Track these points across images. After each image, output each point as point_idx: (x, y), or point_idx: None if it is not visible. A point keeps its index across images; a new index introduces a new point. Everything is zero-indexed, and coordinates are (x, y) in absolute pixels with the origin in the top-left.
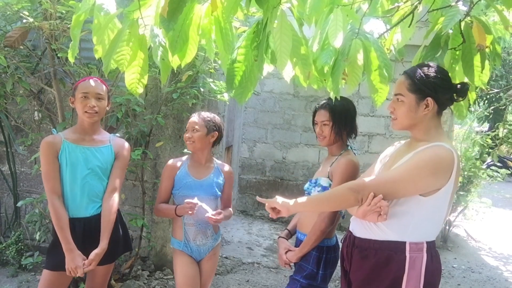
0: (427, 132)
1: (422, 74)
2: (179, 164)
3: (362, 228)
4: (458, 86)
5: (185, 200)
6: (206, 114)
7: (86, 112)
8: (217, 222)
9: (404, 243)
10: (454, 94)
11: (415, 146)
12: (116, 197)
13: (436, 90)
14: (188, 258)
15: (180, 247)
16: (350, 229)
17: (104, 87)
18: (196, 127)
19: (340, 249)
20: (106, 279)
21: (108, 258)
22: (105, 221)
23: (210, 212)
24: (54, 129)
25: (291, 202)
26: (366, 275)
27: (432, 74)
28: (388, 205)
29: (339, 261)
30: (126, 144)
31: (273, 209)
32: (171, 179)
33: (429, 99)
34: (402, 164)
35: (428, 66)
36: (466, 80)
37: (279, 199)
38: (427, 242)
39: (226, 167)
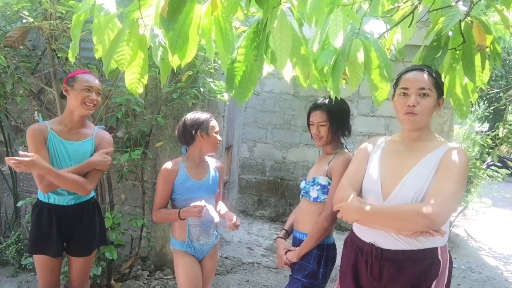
0: (427, 131)
1: (438, 74)
2: (176, 167)
3: (392, 239)
4: None
5: (192, 204)
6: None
7: (85, 103)
8: (237, 227)
9: (437, 248)
10: None
11: (422, 147)
12: (96, 177)
13: (443, 91)
14: (191, 258)
15: (183, 247)
16: (370, 241)
17: (99, 83)
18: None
19: (352, 260)
20: (85, 272)
21: (83, 251)
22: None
23: (216, 217)
24: (40, 118)
25: (359, 210)
26: (405, 285)
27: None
28: None
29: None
30: (107, 136)
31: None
32: (170, 183)
33: (443, 98)
34: (447, 174)
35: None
36: (466, 80)
37: (353, 200)
38: (447, 244)
39: (218, 163)
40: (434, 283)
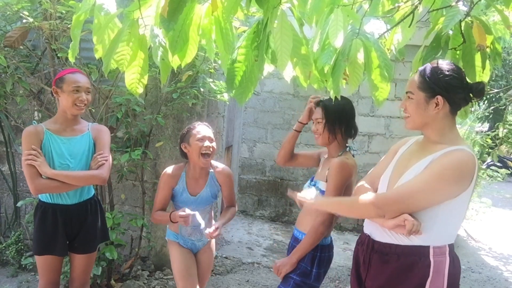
0: (441, 133)
1: (433, 72)
2: (178, 174)
3: (383, 232)
4: (474, 85)
5: (178, 213)
6: (207, 124)
7: (76, 105)
8: (215, 237)
9: (428, 247)
10: (470, 94)
11: (431, 148)
12: (106, 165)
13: (447, 89)
14: (184, 249)
15: (176, 239)
16: (367, 232)
17: (89, 80)
18: (212, 137)
19: (355, 252)
20: (87, 269)
21: (87, 248)
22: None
23: (202, 223)
24: (34, 121)
25: (317, 201)
26: (387, 280)
27: (444, 72)
28: (419, 223)
29: (342, 262)
30: (104, 128)
31: (299, 202)
32: (170, 189)
33: (439, 98)
34: (422, 174)
35: (442, 63)
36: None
37: (307, 194)
38: (448, 245)
39: (221, 169)
40: (428, 284)
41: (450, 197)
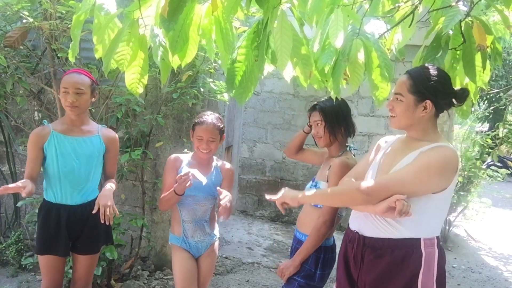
0: (424, 133)
1: (424, 76)
2: (182, 158)
3: (373, 227)
4: (459, 91)
5: (177, 177)
6: (216, 118)
7: (67, 106)
8: (226, 209)
9: (419, 239)
10: (453, 99)
11: (416, 145)
12: (114, 182)
13: (436, 94)
14: (186, 254)
15: (178, 242)
16: (355, 228)
17: (85, 80)
18: (213, 137)
19: (343, 250)
20: (90, 271)
21: (90, 249)
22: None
23: (204, 180)
24: (45, 121)
25: (300, 194)
26: (381, 274)
27: (434, 78)
28: (409, 204)
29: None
30: (115, 135)
31: (282, 204)
32: (175, 170)
33: (428, 102)
34: (410, 165)
35: (431, 68)
36: (467, 80)
37: (287, 192)
38: (436, 237)
39: (226, 166)
40: (420, 275)
41: (434, 189)
